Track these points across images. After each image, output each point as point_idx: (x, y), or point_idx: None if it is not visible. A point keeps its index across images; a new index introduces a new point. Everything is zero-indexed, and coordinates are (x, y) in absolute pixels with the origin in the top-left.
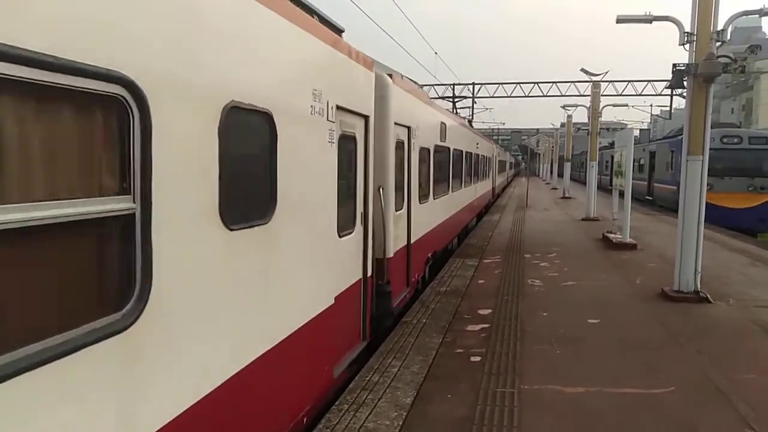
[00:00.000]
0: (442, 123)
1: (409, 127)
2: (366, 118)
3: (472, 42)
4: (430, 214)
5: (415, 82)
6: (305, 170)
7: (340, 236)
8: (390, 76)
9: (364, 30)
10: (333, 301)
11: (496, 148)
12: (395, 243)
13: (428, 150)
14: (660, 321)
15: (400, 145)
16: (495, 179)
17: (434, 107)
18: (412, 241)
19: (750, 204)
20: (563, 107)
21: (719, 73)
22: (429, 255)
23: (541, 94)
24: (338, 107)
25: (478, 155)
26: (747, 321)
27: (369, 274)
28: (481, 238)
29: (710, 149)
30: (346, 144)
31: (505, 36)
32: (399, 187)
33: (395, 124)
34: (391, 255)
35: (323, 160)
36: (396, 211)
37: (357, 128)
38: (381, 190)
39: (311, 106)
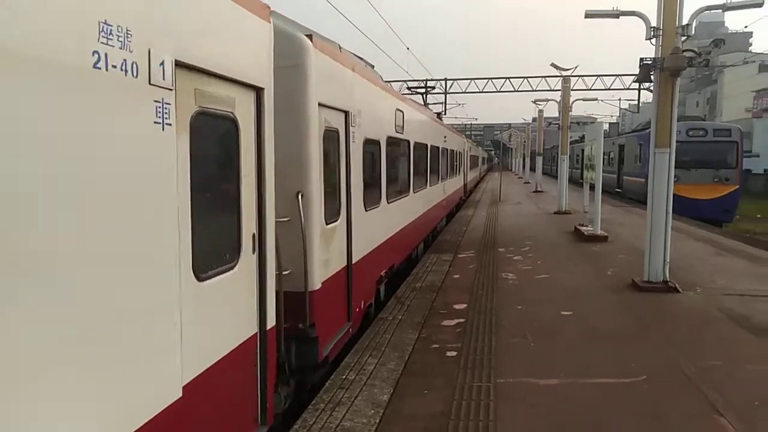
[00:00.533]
0: (399, 111)
1: (346, 113)
2: (258, 91)
3: (444, 38)
4: (383, 222)
5: (363, 60)
6: (73, 173)
7: (202, 279)
8: (309, 37)
9: (336, 26)
10: (181, 394)
11: (468, 143)
12: (327, 268)
13: (378, 143)
14: (631, 311)
15: (331, 135)
16: (467, 175)
17: (388, 91)
18: (354, 261)
19: (715, 195)
20: (534, 102)
21: (685, 67)
22: (382, 273)
23: (513, 89)
24: (183, 66)
25: (446, 150)
26: (714, 309)
27: (271, 324)
28: (455, 233)
29: (677, 142)
30: (213, 129)
31: (477, 33)
32: (332, 192)
33: (322, 105)
34: (318, 286)
35: (138, 155)
36: (327, 223)
37: (239, 105)
38: (300, 197)
39: (96, 54)
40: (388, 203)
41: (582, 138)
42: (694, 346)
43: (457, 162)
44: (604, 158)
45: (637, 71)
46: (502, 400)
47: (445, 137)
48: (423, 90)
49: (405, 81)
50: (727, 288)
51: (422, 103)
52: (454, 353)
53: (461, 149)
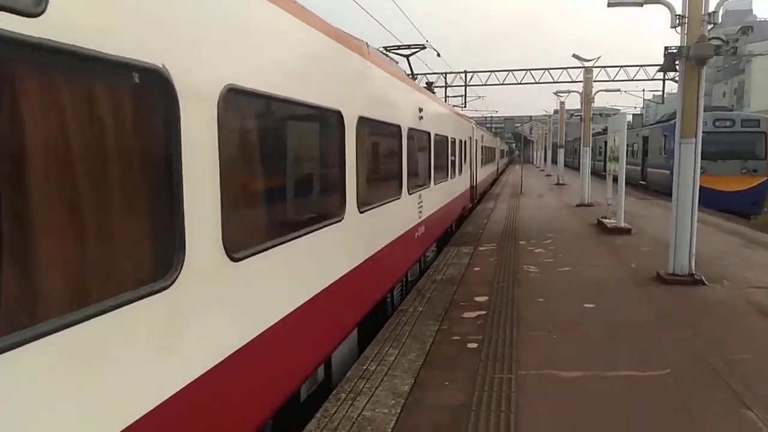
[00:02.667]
0: None
1: None
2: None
3: (464, 31)
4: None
5: None
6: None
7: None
8: None
9: (356, 18)
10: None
11: (478, 130)
12: None
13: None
14: (655, 304)
15: None
16: (475, 176)
17: None
18: None
19: (743, 187)
20: (556, 93)
21: (711, 55)
22: None
23: (534, 81)
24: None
25: (428, 136)
26: (742, 302)
27: None
28: (476, 225)
29: (703, 132)
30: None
31: (497, 24)
32: None
33: None
34: None
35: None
36: None
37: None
38: None
39: None
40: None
41: (605, 130)
42: (721, 340)
43: (458, 157)
44: (627, 150)
45: (661, 61)
46: (525, 392)
47: (420, 111)
48: (408, 51)
49: (425, 74)
50: (755, 281)
51: (410, 74)
52: (475, 345)
53: (465, 137)
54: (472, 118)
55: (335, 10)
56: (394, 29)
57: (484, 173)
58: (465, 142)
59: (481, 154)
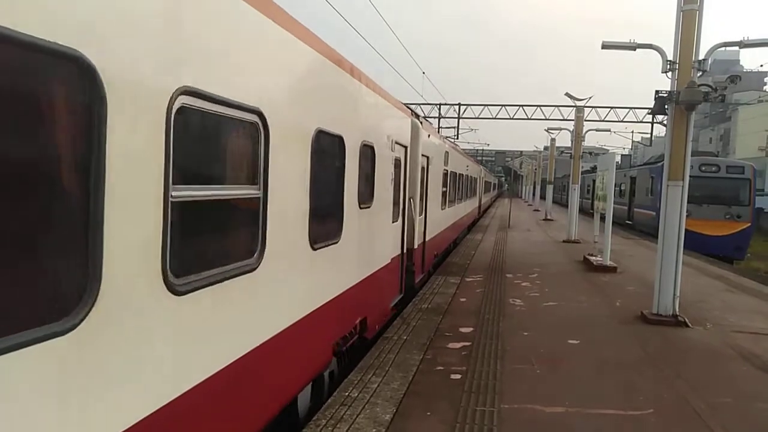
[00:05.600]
0: None
1: None
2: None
3: (460, 65)
4: None
5: None
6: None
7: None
8: None
9: (355, 47)
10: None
11: (434, 138)
12: None
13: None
14: (639, 343)
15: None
16: (424, 228)
17: None
18: None
19: (727, 232)
20: (547, 130)
21: (700, 101)
22: None
23: (526, 117)
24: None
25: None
26: (724, 345)
27: None
28: (463, 256)
29: (689, 177)
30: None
31: (492, 61)
32: None
33: None
34: None
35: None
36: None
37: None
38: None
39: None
40: None
41: (593, 168)
42: (704, 382)
43: (334, 191)
44: (615, 190)
45: (651, 105)
46: (507, 426)
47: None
48: None
49: (420, 104)
50: (737, 325)
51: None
52: (458, 376)
53: (387, 144)
54: (466, 150)
55: (331, 37)
56: (390, 59)
57: (449, 219)
58: (386, 156)
59: (444, 186)
